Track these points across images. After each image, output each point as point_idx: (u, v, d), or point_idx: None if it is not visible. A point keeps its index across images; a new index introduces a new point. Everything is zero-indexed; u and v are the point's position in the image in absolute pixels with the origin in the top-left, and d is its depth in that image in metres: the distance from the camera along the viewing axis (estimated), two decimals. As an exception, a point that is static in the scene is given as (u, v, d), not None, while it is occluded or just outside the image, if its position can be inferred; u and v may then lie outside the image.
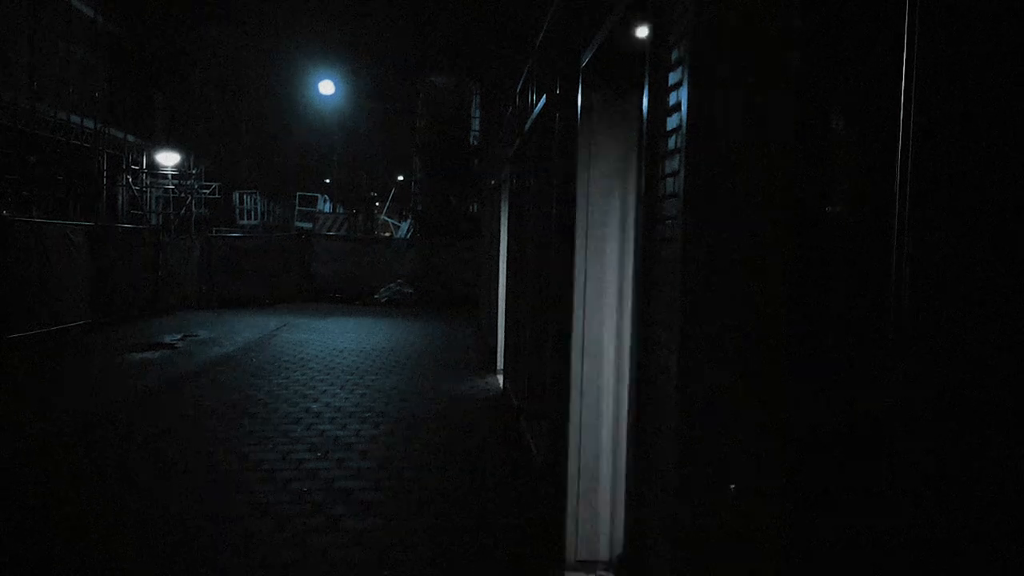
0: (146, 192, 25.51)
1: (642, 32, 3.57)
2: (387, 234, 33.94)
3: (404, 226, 34.14)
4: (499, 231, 11.91)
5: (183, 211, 25.96)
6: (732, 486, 2.65)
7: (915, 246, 1.83)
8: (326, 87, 34.16)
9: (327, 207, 38.30)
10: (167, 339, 14.43)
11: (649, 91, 3.19)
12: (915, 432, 1.82)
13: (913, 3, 1.83)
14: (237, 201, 33.87)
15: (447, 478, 6.58)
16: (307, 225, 32.72)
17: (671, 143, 2.89)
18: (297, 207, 36.65)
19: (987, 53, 1.69)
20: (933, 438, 1.78)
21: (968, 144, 1.73)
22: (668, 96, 2.94)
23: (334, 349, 13.66)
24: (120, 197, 24.48)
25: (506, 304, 10.90)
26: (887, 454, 1.94)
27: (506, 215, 11.28)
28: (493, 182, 13.97)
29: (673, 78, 2.88)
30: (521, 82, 8.84)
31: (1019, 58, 1.60)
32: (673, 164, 2.85)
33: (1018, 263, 1.58)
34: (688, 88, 2.68)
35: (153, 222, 24.46)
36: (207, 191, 28.03)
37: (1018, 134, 1.59)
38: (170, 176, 26.07)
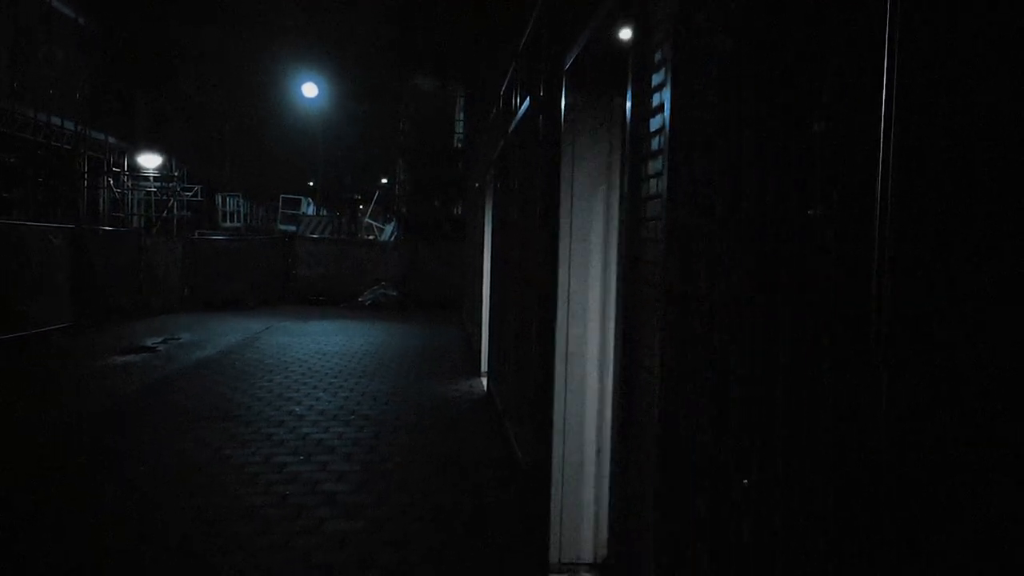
0: (128, 194, 25.35)
1: (625, 34, 3.57)
2: (371, 237, 33.80)
3: (388, 229, 34.04)
4: (483, 234, 11.90)
5: (165, 213, 25.82)
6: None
7: (897, 252, 1.83)
8: (309, 89, 34.06)
9: (311, 209, 38.14)
10: (149, 342, 14.31)
11: (632, 92, 3.19)
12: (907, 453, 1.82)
13: (895, 6, 1.84)
14: (220, 203, 33.72)
15: (431, 481, 6.56)
16: (290, 227, 32.54)
17: (654, 144, 2.90)
18: (280, 209, 36.42)
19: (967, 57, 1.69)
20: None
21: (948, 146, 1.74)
22: (651, 97, 2.94)
23: (317, 352, 13.60)
24: (101, 199, 24.31)
25: (490, 307, 10.88)
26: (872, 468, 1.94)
27: (490, 217, 11.26)
28: (477, 184, 13.96)
29: (656, 79, 2.88)
30: (505, 84, 8.84)
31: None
32: (656, 165, 2.85)
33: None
34: (671, 89, 2.68)
35: (135, 224, 24.32)
36: (189, 193, 27.90)
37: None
38: (152, 178, 25.94)
